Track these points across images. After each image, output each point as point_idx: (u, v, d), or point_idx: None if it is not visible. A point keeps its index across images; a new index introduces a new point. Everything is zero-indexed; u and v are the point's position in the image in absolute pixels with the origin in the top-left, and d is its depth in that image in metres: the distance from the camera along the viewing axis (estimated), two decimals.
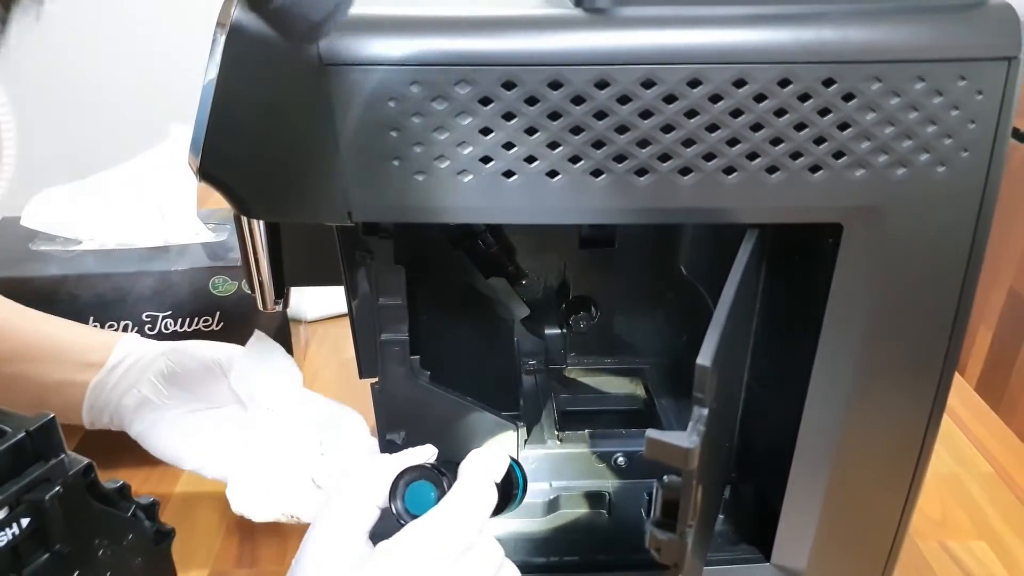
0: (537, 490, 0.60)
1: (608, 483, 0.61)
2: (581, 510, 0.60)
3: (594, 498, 0.60)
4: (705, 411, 0.32)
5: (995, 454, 0.75)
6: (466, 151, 0.38)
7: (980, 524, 0.67)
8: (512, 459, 0.49)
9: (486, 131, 0.38)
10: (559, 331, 0.69)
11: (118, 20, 2.00)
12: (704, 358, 0.32)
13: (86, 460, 0.50)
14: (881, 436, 0.49)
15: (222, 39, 0.36)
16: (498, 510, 0.46)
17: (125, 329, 0.73)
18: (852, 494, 0.51)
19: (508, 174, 0.39)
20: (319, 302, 0.95)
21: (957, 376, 0.87)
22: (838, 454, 0.49)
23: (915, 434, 0.49)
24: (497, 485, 0.45)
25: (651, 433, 0.32)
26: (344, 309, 0.96)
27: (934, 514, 0.68)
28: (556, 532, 0.58)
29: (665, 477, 0.36)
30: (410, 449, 0.48)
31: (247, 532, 0.66)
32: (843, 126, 0.39)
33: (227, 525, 0.66)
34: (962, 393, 0.85)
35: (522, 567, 0.55)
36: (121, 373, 0.62)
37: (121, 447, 0.77)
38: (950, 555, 0.64)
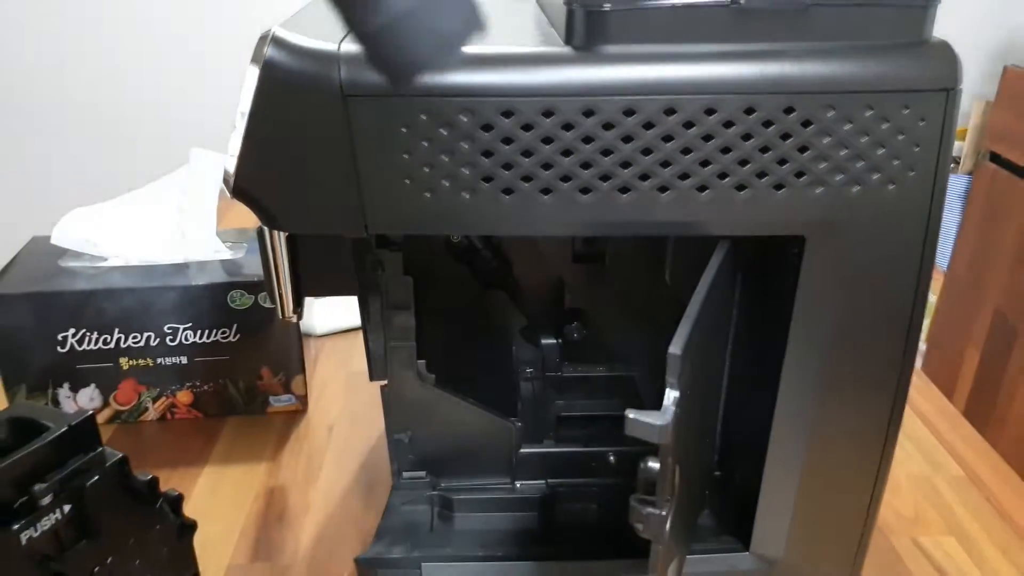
0: (534, 486, 0.65)
1: (599, 480, 0.65)
2: (574, 504, 0.64)
3: (586, 493, 0.64)
4: (676, 394, 0.37)
5: (966, 458, 0.80)
6: (469, 171, 0.43)
7: (950, 522, 0.72)
8: None
9: (487, 154, 0.43)
10: (554, 341, 0.73)
11: (142, 51, 2.08)
12: (675, 347, 0.37)
13: (121, 453, 0.55)
14: (847, 431, 0.53)
15: (256, 74, 0.42)
16: None
17: (148, 341, 0.77)
18: (823, 486, 0.55)
19: (507, 191, 0.44)
20: (327, 318, 1.00)
21: (929, 382, 0.92)
22: (808, 449, 0.53)
23: (878, 430, 0.53)
24: None
25: (630, 412, 0.37)
26: (350, 325, 1.02)
27: (907, 512, 0.73)
28: (552, 524, 0.63)
29: (647, 460, 0.41)
30: None
31: (263, 528, 0.70)
32: (803, 149, 0.44)
33: (244, 522, 0.71)
34: (935, 400, 0.89)
35: (520, 556, 0.59)
36: None
37: (147, 445, 0.81)
38: (921, 549, 0.68)
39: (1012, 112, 1.69)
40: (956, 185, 1.87)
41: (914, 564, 0.67)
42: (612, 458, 0.65)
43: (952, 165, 1.97)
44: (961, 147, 1.95)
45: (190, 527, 0.62)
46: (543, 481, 0.65)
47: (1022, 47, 1.66)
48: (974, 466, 0.79)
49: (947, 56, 0.44)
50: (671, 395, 0.37)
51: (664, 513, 0.40)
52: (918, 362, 1.91)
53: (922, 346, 2.01)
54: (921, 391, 0.91)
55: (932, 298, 1.98)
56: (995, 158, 1.75)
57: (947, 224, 1.89)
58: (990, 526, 0.71)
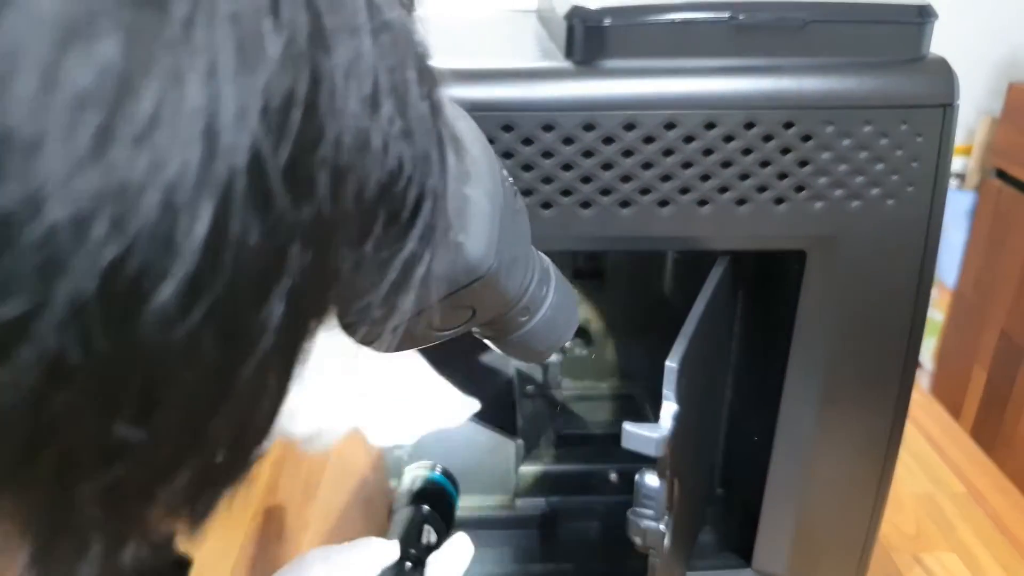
0: (534, 504, 0.65)
1: (600, 498, 0.65)
2: (575, 522, 0.64)
3: (586, 511, 0.64)
4: (674, 407, 0.37)
5: (968, 475, 0.80)
6: None
7: (951, 538, 0.71)
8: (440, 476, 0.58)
9: None
10: (556, 358, 0.73)
11: None
12: (672, 360, 0.37)
13: None
14: (848, 446, 0.53)
15: None
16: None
17: None
18: (824, 502, 0.55)
19: None
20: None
21: (932, 400, 0.92)
22: (810, 464, 0.53)
23: (879, 444, 0.53)
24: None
25: (627, 425, 0.36)
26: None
27: (908, 529, 0.72)
28: (552, 542, 0.63)
29: (645, 474, 0.41)
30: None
31: (262, 546, 0.70)
32: (802, 163, 0.44)
33: (243, 539, 0.70)
34: (938, 418, 0.89)
35: (520, 573, 0.59)
36: None
37: None
38: (922, 566, 0.68)
39: (1017, 129, 1.69)
40: (962, 201, 1.87)
41: None
42: (613, 476, 0.65)
43: (958, 181, 1.97)
44: (966, 163, 1.95)
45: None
46: (543, 499, 0.65)
47: None
48: (976, 483, 0.79)
49: (944, 72, 0.44)
50: (668, 408, 0.37)
51: (662, 527, 0.39)
52: (925, 381, 1.89)
53: (929, 365, 2.00)
54: (924, 409, 0.90)
55: (939, 317, 1.98)
56: (1001, 175, 1.75)
57: (953, 242, 1.88)
58: (991, 542, 0.71)
